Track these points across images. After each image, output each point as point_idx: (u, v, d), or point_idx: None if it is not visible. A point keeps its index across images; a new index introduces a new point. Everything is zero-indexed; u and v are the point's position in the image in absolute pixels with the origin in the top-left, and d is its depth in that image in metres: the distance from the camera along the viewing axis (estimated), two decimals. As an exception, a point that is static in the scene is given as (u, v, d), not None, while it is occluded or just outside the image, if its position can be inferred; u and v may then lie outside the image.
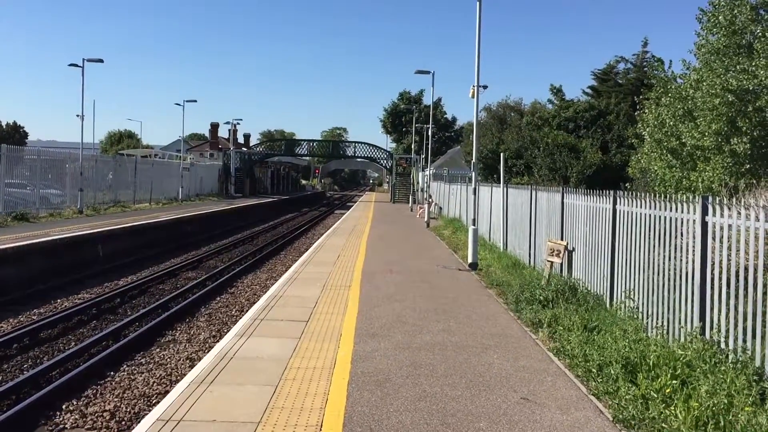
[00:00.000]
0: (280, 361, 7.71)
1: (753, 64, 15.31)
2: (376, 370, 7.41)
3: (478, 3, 16.43)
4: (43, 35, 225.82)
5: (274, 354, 8.04)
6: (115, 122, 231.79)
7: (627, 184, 24.18)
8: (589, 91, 48.22)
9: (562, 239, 13.00)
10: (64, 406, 8.51)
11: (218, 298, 16.38)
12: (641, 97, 20.28)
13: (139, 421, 6.88)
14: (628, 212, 9.82)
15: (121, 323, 12.97)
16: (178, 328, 13.11)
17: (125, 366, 10.45)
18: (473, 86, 16.75)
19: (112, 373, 10.05)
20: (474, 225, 16.98)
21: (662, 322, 8.40)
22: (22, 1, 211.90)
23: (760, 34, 15.72)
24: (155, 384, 9.60)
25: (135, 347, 11.49)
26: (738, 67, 15.76)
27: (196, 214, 33.86)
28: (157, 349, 11.55)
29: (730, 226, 7.07)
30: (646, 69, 40.76)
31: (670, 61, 19.19)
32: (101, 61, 32.86)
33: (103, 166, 36.37)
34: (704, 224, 7.56)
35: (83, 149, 32.10)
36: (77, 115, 33.34)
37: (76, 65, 32.61)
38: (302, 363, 7.66)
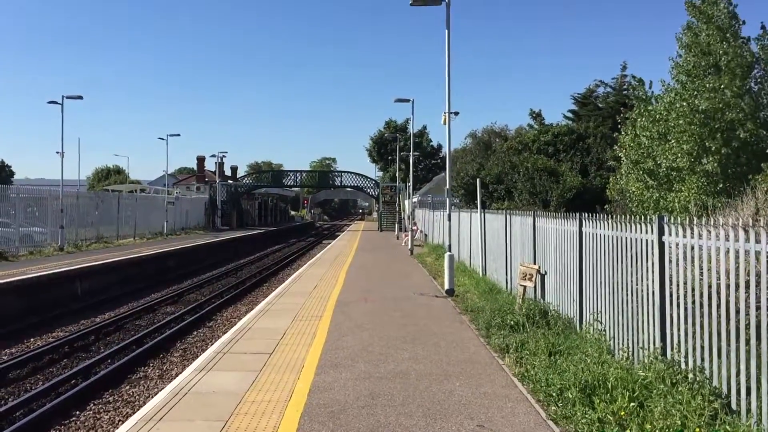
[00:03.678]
0: (235, 395, 7.57)
1: (719, 83, 15.47)
2: (332, 401, 7.29)
3: (446, 30, 16.60)
4: (28, 73, 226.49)
5: (231, 388, 7.91)
6: (102, 158, 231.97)
7: (606, 206, 24.21)
8: (569, 114, 48.54)
9: (534, 263, 12.95)
10: (23, 447, 8.35)
11: (195, 333, 16.20)
12: (621, 116, 20.47)
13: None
14: (592, 234, 9.80)
15: (92, 360, 12.80)
16: (151, 364, 12.94)
17: (92, 404, 10.29)
18: (444, 113, 16.83)
19: (77, 412, 9.88)
20: (449, 251, 16.92)
21: (627, 344, 8.34)
22: (4, 39, 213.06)
23: (723, 53, 15.90)
24: (120, 422, 9.42)
25: (104, 385, 11.31)
26: (708, 86, 15.91)
27: (180, 248, 33.65)
28: (127, 387, 11.38)
29: (685, 245, 7.04)
30: (625, 92, 41.08)
31: (650, 81, 19.21)
32: (80, 97, 32.95)
33: (86, 203, 36.21)
34: (661, 244, 7.55)
35: (68, 186, 32.13)
36: (57, 152, 33.33)
37: (55, 102, 32.67)
38: (258, 396, 7.53)
